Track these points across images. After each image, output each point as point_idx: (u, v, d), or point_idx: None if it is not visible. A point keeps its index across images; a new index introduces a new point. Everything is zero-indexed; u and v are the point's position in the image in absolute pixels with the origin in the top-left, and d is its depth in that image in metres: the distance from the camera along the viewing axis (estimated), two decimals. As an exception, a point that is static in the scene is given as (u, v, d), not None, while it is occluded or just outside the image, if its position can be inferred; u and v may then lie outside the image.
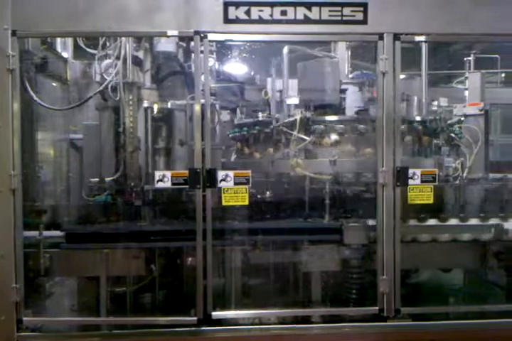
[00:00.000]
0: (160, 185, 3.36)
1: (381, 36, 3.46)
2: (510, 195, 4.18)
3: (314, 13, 3.40)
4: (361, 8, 3.44)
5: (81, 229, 3.69)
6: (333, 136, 3.96)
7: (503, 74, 8.97)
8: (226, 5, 3.36)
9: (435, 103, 4.56)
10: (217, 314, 3.44)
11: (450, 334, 3.57)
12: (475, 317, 3.64)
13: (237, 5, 3.36)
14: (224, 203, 3.41)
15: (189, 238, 3.43)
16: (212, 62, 4.20)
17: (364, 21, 3.45)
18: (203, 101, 3.38)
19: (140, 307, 3.88)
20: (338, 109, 4.18)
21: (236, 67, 4.67)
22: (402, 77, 3.83)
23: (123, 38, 3.80)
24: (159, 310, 3.87)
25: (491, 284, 4.30)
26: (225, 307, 3.64)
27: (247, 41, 4.13)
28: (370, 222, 3.69)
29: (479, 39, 4.14)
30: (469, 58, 6.84)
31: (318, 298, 3.85)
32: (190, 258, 3.68)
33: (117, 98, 3.85)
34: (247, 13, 3.37)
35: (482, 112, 5.23)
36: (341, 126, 3.94)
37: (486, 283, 4.33)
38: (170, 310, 3.75)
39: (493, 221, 3.89)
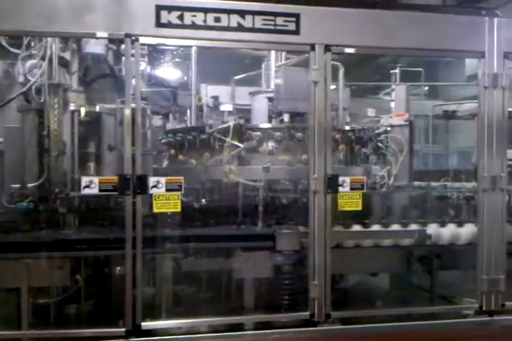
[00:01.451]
0: (87, 191, 3.23)
1: (313, 47, 3.54)
2: (433, 201, 4.40)
3: (248, 21, 3.42)
4: (294, 19, 3.50)
5: (1, 238, 3.46)
6: (268, 143, 3.99)
7: (426, 87, 9.53)
8: (158, 8, 3.30)
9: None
10: (146, 324, 3.34)
11: (378, 337, 3.67)
12: (402, 319, 3.74)
13: (169, 9, 3.31)
14: (155, 210, 3.33)
15: (118, 246, 3.32)
16: (143, 65, 4.13)
17: (296, 32, 3.50)
18: (133, 105, 3.30)
19: (65, 319, 3.71)
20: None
21: (169, 72, 4.61)
22: (332, 87, 3.94)
23: (49, 38, 3.65)
24: (85, 321, 3.71)
25: (416, 287, 4.48)
26: (155, 317, 3.53)
27: (180, 46, 4.10)
28: (302, 229, 3.73)
29: (404, 53, 4.33)
30: (395, 71, 7.20)
31: (251, 305, 3.84)
32: (118, 268, 3.56)
33: (42, 100, 3.69)
34: (180, 17, 3.33)
35: (407, 123, 5.48)
36: (278, 133, 3.98)
37: (411, 286, 4.51)
38: (97, 321, 3.60)
39: (417, 226, 4.04)
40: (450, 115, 7.63)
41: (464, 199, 4.40)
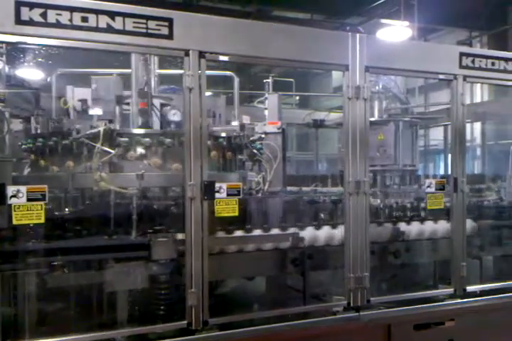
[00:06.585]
0: None
1: (187, 53, 3.51)
2: (305, 206, 4.60)
3: (118, 23, 3.30)
4: (166, 23, 3.44)
5: None
6: (140, 150, 3.88)
7: (297, 97, 10.04)
8: (18, 5, 3.04)
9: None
10: (6, 347, 3.06)
11: (254, 339, 3.72)
12: (278, 320, 3.83)
13: (31, 6, 3.07)
14: (15, 222, 3.05)
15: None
16: (1, 65, 3.79)
17: (170, 36, 3.45)
18: (-11, 107, 3.01)
19: None
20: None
21: (31, 73, 4.29)
22: (208, 94, 3.95)
23: None
24: None
25: (290, 288, 4.64)
26: (17, 338, 3.24)
27: (43, 45, 3.84)
28: (179, 236, 3.67)
29: (275, 63, 4.49)
30: (268, 80, 7.49)
31: (125, 318, 3.68)
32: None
33: None
34: (43, 15, 3.11)
35: (280, 131, 5.70)
36: (148, 139, 3.89)
37: (285, 287, 4.65)
38: None
39: (291, 230, 4.18)
40: (319, 124, 8.10)
41: (332, 202, 4.67)
